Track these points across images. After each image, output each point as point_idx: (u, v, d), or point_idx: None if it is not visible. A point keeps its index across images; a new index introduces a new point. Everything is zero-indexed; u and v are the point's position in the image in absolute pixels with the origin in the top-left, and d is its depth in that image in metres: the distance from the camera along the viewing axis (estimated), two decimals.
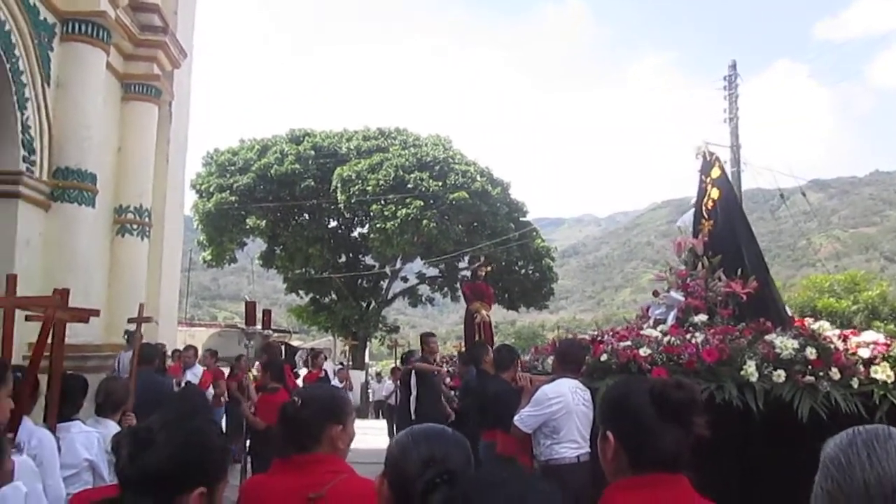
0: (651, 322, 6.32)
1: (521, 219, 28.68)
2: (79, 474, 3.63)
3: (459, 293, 31.51)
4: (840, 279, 27.85)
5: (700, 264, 6.65)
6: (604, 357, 5.45)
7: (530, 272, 29.20)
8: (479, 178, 26.66)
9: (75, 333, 4.71)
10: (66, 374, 3.93)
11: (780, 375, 4.95)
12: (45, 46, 7.03)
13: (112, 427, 4.07)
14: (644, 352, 5.37)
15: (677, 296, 6.32)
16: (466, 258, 28.21)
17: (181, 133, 10.24)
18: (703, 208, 7.08)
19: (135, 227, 8.58)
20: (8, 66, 6.46)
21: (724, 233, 6.85)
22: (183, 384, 8.93)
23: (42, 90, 6.94)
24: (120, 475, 1.59)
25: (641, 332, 5.81)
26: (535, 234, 29.43)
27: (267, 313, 8.25)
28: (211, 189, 26.93)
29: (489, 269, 13.09)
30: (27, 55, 6.70)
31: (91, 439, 3.76)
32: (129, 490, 1.57)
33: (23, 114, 6.68)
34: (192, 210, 27.71)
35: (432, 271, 30.71)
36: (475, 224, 27.07)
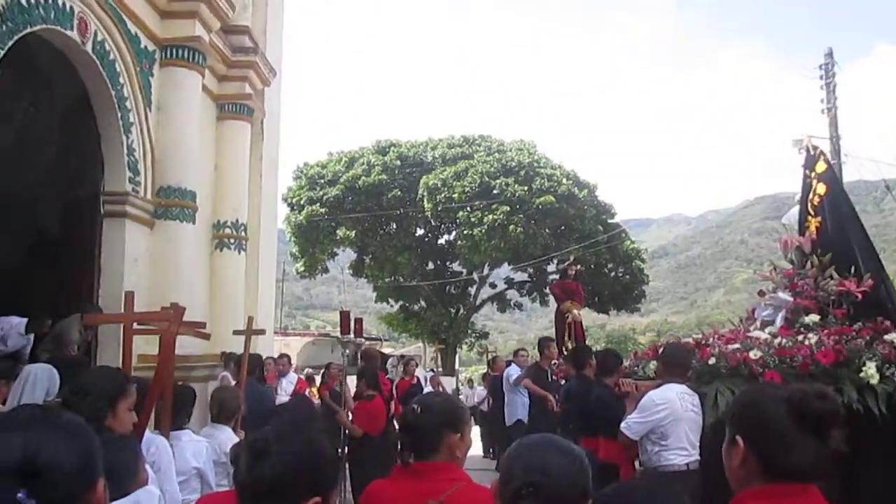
0: (758, 324, 6.10)
1: (608, 221, 28.32)
2: (188, 481, 3.79)
3: (548, 297, 31.35)
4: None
5: (808, 263, 6.40)
6: (712, 360, 5.32)
7: (620, 274, 28.76)
8: (564, 181, 26.46)
9: (181, 345, 4.91)
10: (176, 385, 4.10)
11: None
12: (147, 73, 7.38)
13: (227, 434, 4.22)
14: (754, 354, 5.20)
15: (785, 296, 6.08)
16: (555, 262, 28.02)
17: (273, 149, 10.55)
18: (809, 204, 6.84)
19: (232, 241, 8.88)
20: (113, 92, 6.81)
21: (834, 229, 6.61)
22: (279, 392, 9.19)
23: (144, 114, 7.29)
24: (238, 485, 1.65)
25: (749, 335, 5.63)
26: (623, 235, 28.98)
27: (359, 321, 8.36)
28: (302, 202, 27.69)
29: (579, 267, 12.96)
30: (130, 82, 7.05)
31: (200, 448, 3.91)
32: (246, 499, 1.63)
33: (128, 137, 7.03)
34: (284, 223, 28.56)
35: (520, 276, 30.63)
36: (562, 228, 26.88)
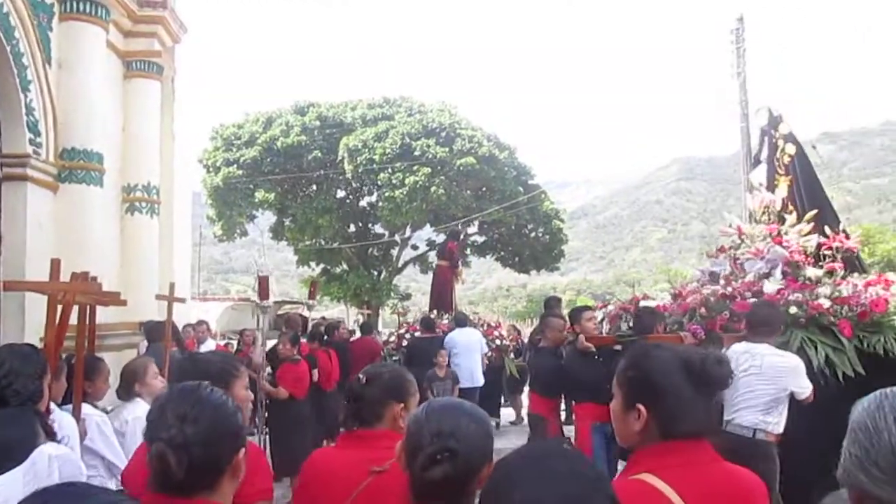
0: (751, 276, 6.18)
1: (529, 182, 28.53)
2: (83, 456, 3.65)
3: (470, 258, 31.60)
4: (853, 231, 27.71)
5: (783, 219, 6.65)
6: (793, 310, 5.36)
7: (540, 235, 29.14)
8: (485, 142, 26.49)
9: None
10: (70, 356, 3.94)
11: None
12: (45, 27, 6.97)
13: (137, 406, 4.08)
14: (825, 303, 5.34)
15: (780, 250, 6.25)
16: (476, 223, 28.18)
17: (186, 109, 10.17)
18: (777, 163, 7.11)
19: (144, 204, 8.57)
20: (9, 48, 6.41)
21: (806, 188, 6.98)
22: None
23: (44, 71, 6.89)
24: (156, 453, 1.61)
25: (762, 288, 5.75)
26: (543, 196, 29.30)
27: (264, 280, 8.23)
28: (218, 164, 26.91)
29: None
30: (26, 36, 6.64)
31: (91, 422, 3.75)
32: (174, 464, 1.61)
33: (26, 96, 6.64)
34: (200, 185, 27.76)
35: (442, 238, 30.65)
36: (483, 189, 26.97)
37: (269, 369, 8.51)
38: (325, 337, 9.34)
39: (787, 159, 7.16)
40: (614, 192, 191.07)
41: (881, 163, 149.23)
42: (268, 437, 7.87)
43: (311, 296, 11.32)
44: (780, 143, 7.19)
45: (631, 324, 6.33)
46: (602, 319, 7.33)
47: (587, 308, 6.56)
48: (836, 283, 5.71)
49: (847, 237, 6.27)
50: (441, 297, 13.15)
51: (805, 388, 4.51)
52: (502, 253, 30.05)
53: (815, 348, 5.05)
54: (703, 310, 5.76)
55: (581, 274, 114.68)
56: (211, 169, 27.26)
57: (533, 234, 29.06)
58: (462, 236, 12.53)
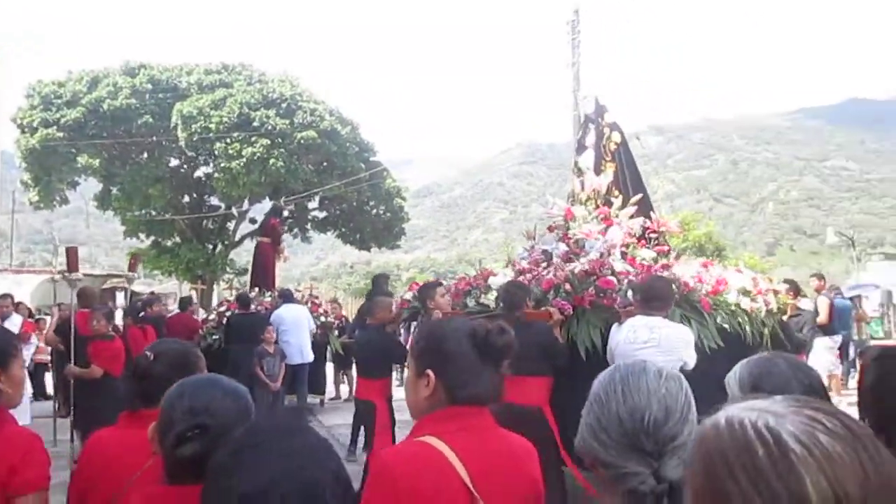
0: (594, 255, 6.34)
1: (371, 158, 28.44)
2: None
3: (310, 234, 31.15)
4: (671, 219, 29.87)
5: (609, 202, 6.99)
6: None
7: (381, 212, 29.15)
8: (327, 116, 26.07)
9: None
10: None
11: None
12: None
13: None
14: (690, 282, 5.77)
15: (619, 231, 6.62)
16: (316, 198, 27.78)
17: None
18: (604, 150, 7.46)
19: None
20: None
21: (632, 175, 7.43)
22: None
23: None
24: None
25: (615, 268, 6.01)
26: (385, 173, 29.32)
27: (72, 251, 7.72)
28: (35, 124, 24.75)
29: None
30: None
31: None
32: None
33: None
34: (15, 146, 25.47)
35: (283, 212, 30.02)
36: (325, 164, 26.59)
37: (61, 346, 7.97)
38: (141, 313, 8.88)
39: (612, 146, 7.56)
40: (460, 173, 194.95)
41: (701, 156, 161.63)
42: (72, 419, 7.36)
43: (132, 268, 10.69)
44: (606, 130, 7.59)
45: (479, 300, 6.37)
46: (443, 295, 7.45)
47: (439, 283, 6.46)
48: (669, 264, 6.12)
49: (665, 222, 6.75)
50: (263, 274, 12.88)
51: (693, 359, 4.69)
52: (343, 229, 29.81)
53: (690, 323, 5.36)
54: (567, 286, 5.96)
55: (425, 252, 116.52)
56: (26, 129, 25.04)
57: (374, 212, 29.01)
58: (284, 213, 12.37)
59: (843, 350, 11.17)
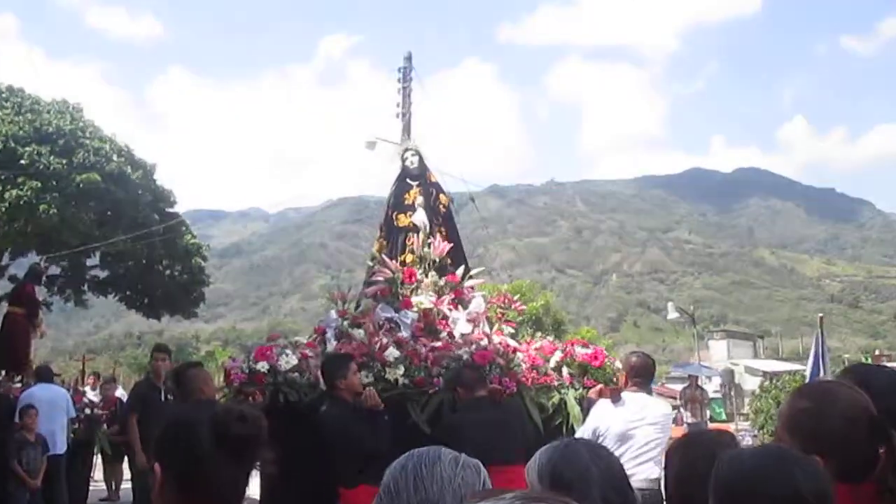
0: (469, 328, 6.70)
1: (167, 210, 27.54)
2: None
3: (87, 298, 29.44)
4: (508, 289, 30.98)
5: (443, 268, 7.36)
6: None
7: (177, 273, 28.07)
8: (115, 157, 25.01)
9: None
10: None
11: None
12: None
13: None
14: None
15: (480, 301, 7.14)
16: (97, 254, 26.40)
17: None
18: (434, 212, 7.89)
19: None
20: None
21: (457, 240, 7.90)
22: None
23: None
24: None
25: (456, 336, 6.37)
26: (184, 228, 28.45)
27: None
28: None
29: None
30: None
31: None
32: None
33: None
34: None
35: (52, 269, 28.26)
36: (109, 213, 25.38)
37: None
38: None
39: (441, 208, 7.83)
40: (275, 230, 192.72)
41: (543, 222, 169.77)
42: None
43: None
44: (433, 190, 7.88)
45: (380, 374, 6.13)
46: None
47: (349, 357, 5.80)
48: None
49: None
50: (12, 353, 10.85)
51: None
52: (129, 292, 28.34)
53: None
54: (500, 360, 6.11)
55: (230, 321, 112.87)
56: None
57: (168, 272, 27.84)
58: (45, 277, 11.48)
59: None
